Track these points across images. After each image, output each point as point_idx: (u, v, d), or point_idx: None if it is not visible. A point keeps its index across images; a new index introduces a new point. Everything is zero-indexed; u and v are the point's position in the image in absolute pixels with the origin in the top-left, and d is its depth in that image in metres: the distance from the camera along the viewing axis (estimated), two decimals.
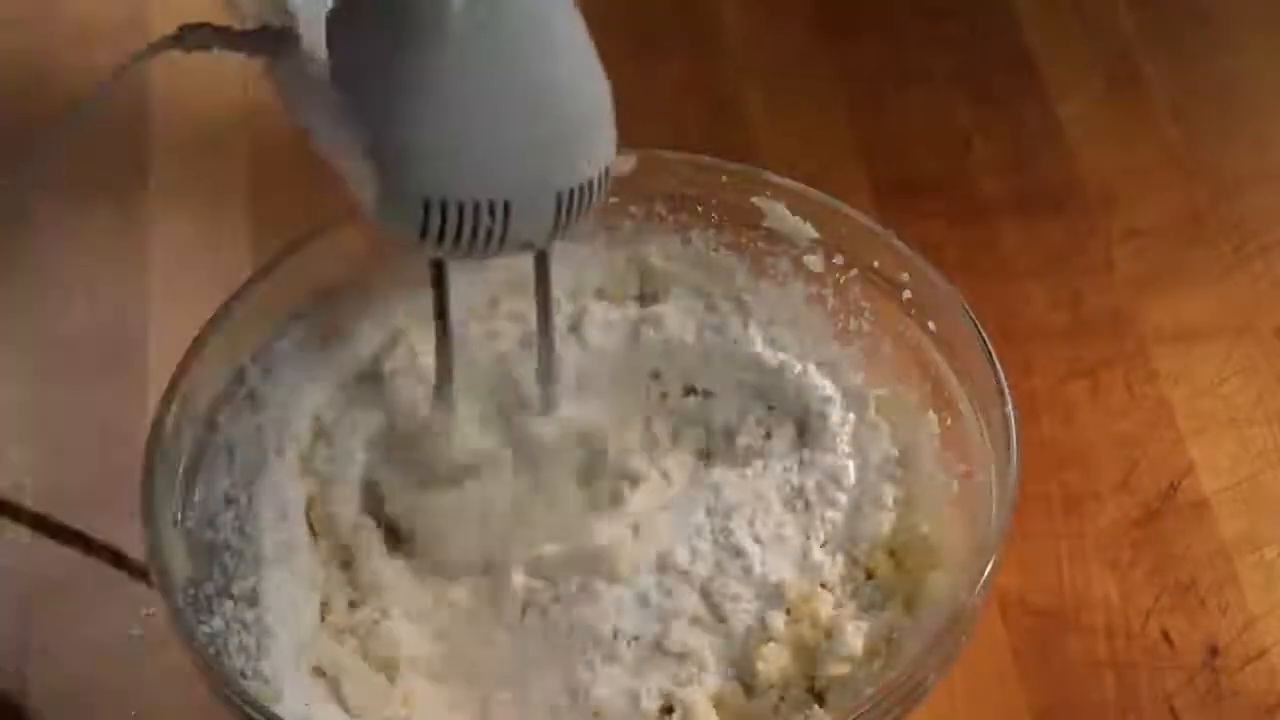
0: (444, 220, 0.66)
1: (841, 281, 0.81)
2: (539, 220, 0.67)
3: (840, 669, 0.72)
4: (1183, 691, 0.78)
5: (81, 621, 0.79)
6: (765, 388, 0.81)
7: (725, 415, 0.81)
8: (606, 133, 0.68)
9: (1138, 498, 0.84)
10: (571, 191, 0.67)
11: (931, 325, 0.78)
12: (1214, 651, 0.79)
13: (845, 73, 1.03)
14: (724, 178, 0.82)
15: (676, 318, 0.82)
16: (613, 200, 0.82)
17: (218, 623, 0.71)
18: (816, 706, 0.71)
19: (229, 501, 0.75)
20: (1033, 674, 0.78)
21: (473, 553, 0.75)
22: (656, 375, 0.83)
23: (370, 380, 0.80)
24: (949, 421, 0.77)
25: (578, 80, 0.66)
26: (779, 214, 0.81)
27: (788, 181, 0.81)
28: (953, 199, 0.97)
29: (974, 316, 0.75)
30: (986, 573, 0.68)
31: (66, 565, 0.81)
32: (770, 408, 0.80)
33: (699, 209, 0.82)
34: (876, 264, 0.79)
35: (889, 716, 0.67)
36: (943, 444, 0.77)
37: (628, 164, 0.81)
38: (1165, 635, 0.79)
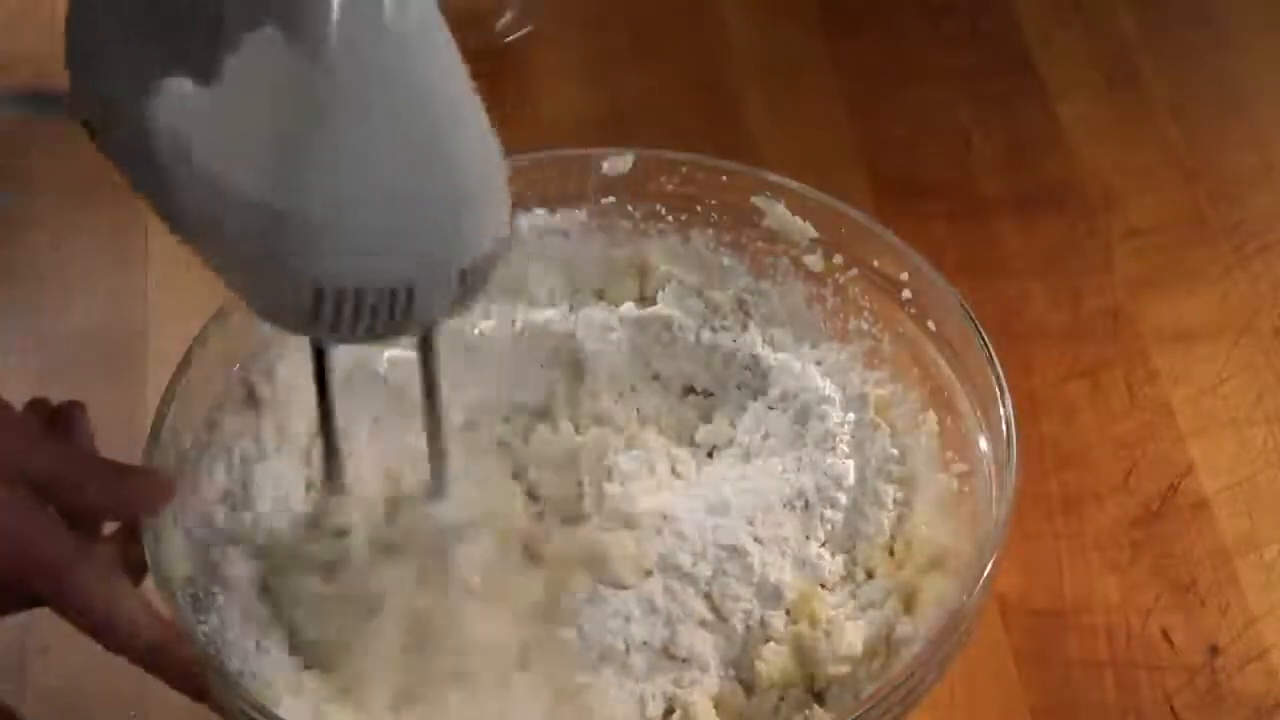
0: (338, 309, 0.61)
1: (841, 281, 0.81)
2: (440, 301, 0.62)
3: (840, 669, 0.72)
4: (1183, 691, 0.78)
5: None
6: (765, 388, 0.81)
7: (725, 415, 0.81)
8: (503, 200, 0.64)
9: (1138, 498, 0.84)
10: (475, 266, 0.62)
11: (931, 325, 0.78)
12: (1214, 651, 0.79)
13: (845, 73, 1.03)
14: (724, 178, 0.82)
15: (676, 318, 0.82)
16: (612, 200, 0.82)
17: (217, 622, 0.71)
18: (816, 706, 0.71)
19: (229, 501, 0.75)
20: (1033, 674, 0.78)
21: (395, 680, 0.71)
22: (656, 376, 0.83)
23: (368, 376, 0.80)
24: (949, 421, 0.77)
25: (474, 148, 0.62)
26: (779, 214, 0.81)
27: (788, 181, 0.81)
28: (953, 199, 0.97)
29: (974, 316, 0.75)
30: (986, 573, 0.68)
31: None
32: (770, 408, 0.80)
33: (699, 209, 0.82)
34: (876, 264, 0.79)
35: (889, 716, 0.67)
36: (942, 444, 0.77)
37: (627, 164, 0.81)
38: (1165, 635, 0.79)
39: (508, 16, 1.06)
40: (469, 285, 0.63)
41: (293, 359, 0.79)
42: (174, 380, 0.74)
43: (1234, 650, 0.79)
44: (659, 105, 0.99)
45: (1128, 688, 0.78)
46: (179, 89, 0.61)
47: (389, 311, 0.61)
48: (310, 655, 0.72)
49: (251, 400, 0.78)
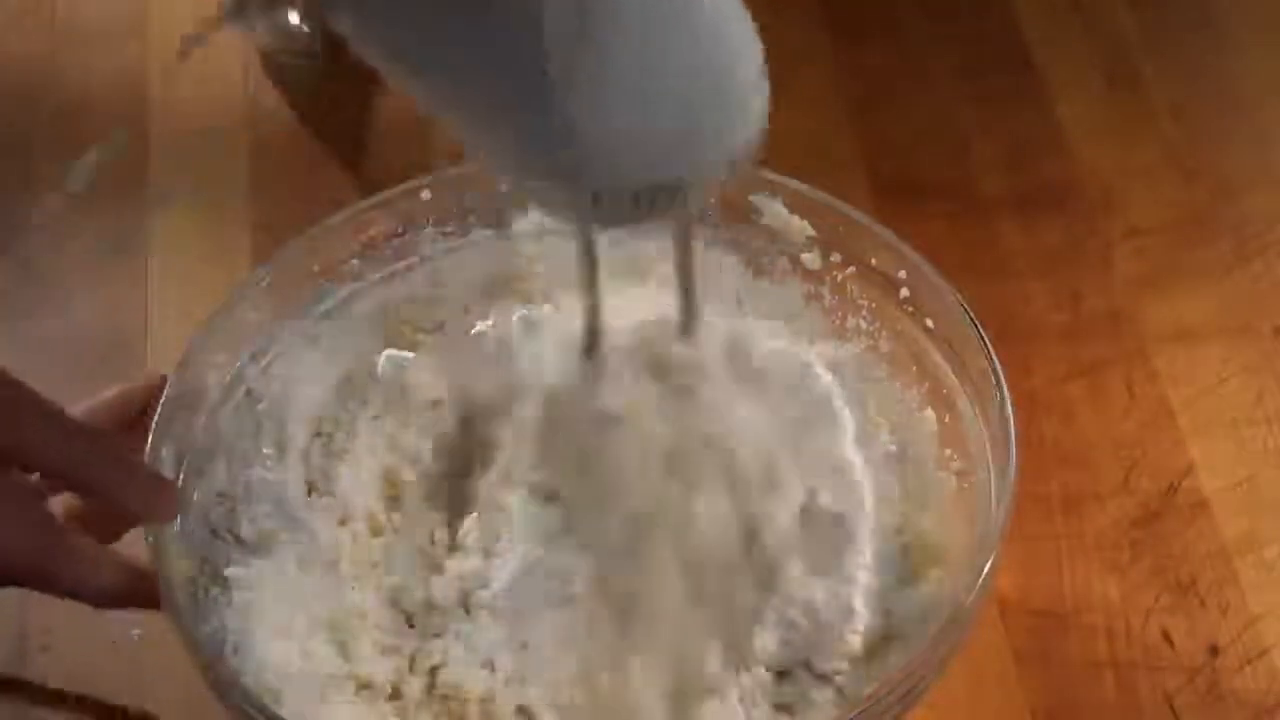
0: (616, 204, 0.64)
1: (839, 279, 0.81)
2: (714, 185, 0.67)
3: (840, 667, 0.72)
4: (1183, 691, 0.78)
5: (81, 621, 0.79)
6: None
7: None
8: (766, 84, 0.64)
9: (1138, 498, 0.84)
10: (746, 151, 0.65)
11: (929, 323, 0.78)
12: (1214, 651, 0.79)
13: (846, 72, 1.03)
14: None
15: (675, 316, 0.82)
16: None
17: (217, 622, 0.71)
18: (817, 705, 0.71)
19: (229, 501, 0.75)
20: (1033, 674, 0.78)
21: (636, 497, 0.73)
22: None
23: (368, 376, 0.80)
24: (948, 420, 0.77)
25: (740, 37, 0.63)
26: (776, 212, 0.81)
27: (785, 179, 0.81)
28: (953, 199, 0.97)
29: (973, 315, 0.75)
30: (986, 572, 0.68)
31: None
32: None
33: None
34: (874, 262, 0.79)
35: (889, 716, 0.67)
36: (942, 442, 0.77)
37: None
38: (1165, 635, 0.79)
39: None
40: (738, 168, 0.65)
41: (292, 358, 0.79)
42: (174, 380, 0.74)
43: (1234, 650, 0.79)
44: None
45: (1128, 688, 0.78)
46: None
47: (667, 201, 0.64)
48: None
49: (251, 400, 0.78)
